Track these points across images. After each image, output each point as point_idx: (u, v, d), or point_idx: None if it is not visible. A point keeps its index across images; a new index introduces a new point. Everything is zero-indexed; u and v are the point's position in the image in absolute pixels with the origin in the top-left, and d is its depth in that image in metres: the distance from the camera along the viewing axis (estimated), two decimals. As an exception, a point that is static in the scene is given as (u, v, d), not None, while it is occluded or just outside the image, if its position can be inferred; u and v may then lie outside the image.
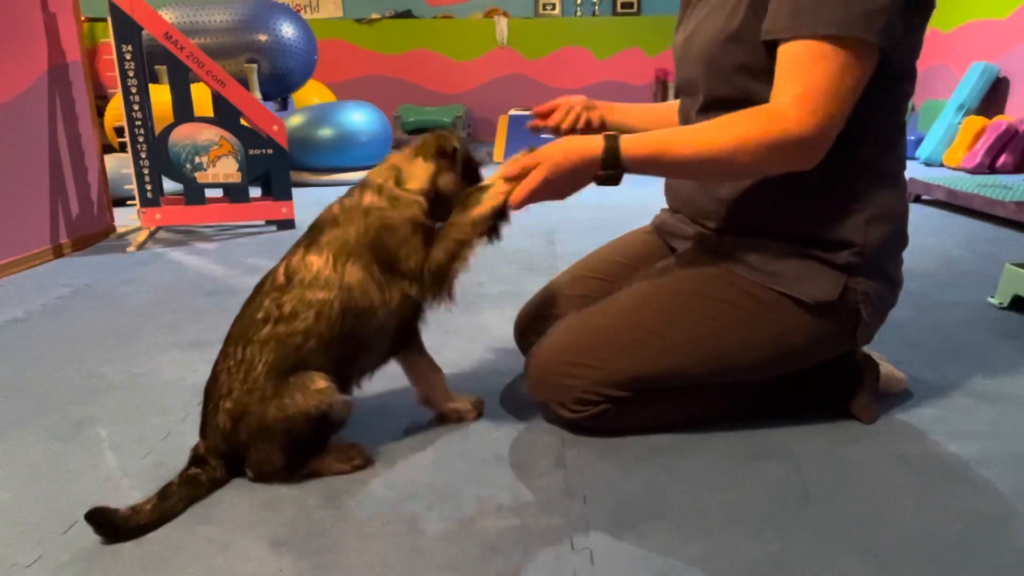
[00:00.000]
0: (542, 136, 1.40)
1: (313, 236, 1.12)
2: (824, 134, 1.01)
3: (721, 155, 1.03)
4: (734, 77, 1.12)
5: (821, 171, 1.06)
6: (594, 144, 1.06)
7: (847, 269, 1.14)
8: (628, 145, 1.06)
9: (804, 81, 1.00)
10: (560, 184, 1.08)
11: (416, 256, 1.11)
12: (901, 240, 1.20)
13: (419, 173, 1.14)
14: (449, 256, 1.12)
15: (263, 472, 1.07)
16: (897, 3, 0.99)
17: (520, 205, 1.09)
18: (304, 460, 1.09)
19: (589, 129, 1.40)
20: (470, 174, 1.19)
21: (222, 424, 1.06)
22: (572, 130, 1.39)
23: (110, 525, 0.96)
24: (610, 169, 1.06)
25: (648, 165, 1.07)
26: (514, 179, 1.10)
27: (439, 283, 1.13)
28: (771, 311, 1.15)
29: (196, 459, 1.08)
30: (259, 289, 1.12)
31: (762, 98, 1.07)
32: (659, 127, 1.41)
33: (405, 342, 1.21)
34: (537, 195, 1.08)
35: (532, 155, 1.09)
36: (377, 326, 1.12)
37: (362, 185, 1.15)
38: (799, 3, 1.00)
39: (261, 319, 1.08)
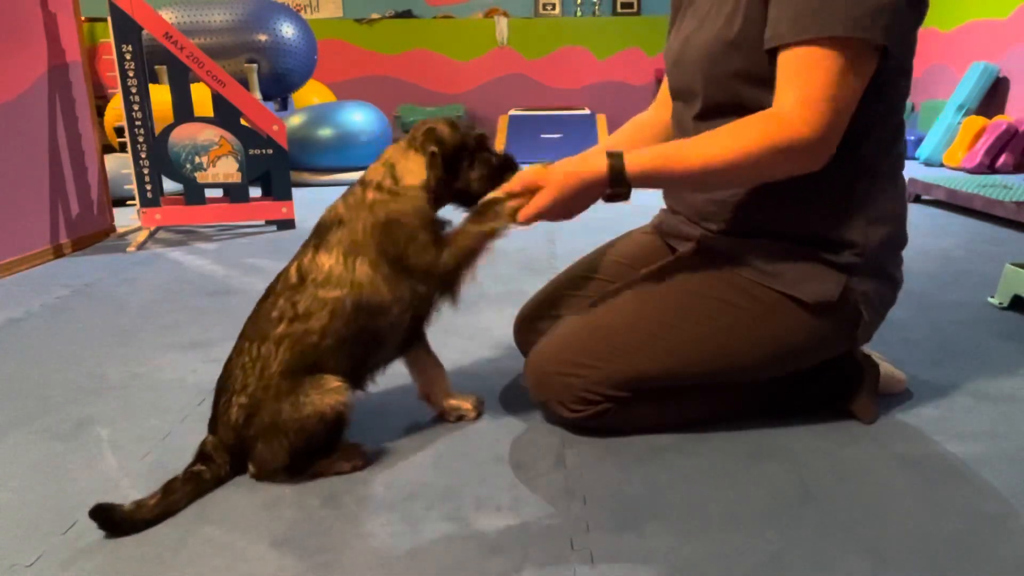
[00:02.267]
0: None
1: (321, 236, 1.13)
2: (830, 136, 1.02)
3: (728, 165, 1.03)
4: (729, 83, 1.12)
5: (821, 172, 1.05)
6: (599, 163, 1.07)
7: (848, 269, 1.14)
8: (633, 161, 1.07)
9: (806, 84, 1.00)
10: (567, 204, 1.09)
11: (425, 254, 1.12)
12: (901, 239, 1.20)
13: (414, 168, 1.14)
14: (458, 262, 1.14)
15: (265, 469, 1.07)
16: (899, 2, 0.99)
17: (527, 223, 1.11)
18: (310, 463, 1.09)
19: None
20: (477, 156, 1.18)
21: (235, 418, 1.06)
22: None
23: (113, 521, 0.96)
24: (617, 186, 1.07)
25: (654, 179, 1.08)
26: (519, 196, 1.11)
27: (447, 286, 1.16)
28: (771, 311, 1.15)
29: (202, 455, 1.08)
30: (272, 289, 1.13)
31: (754, 104, 1.07)
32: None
33: (418, 336, 1.23)
34: (544, 216, 1.10)
35: (536, 175, 1.10)
36: (391, 322, 1.13)
37: (362, 183, 1.15)
38: (800, 9, 1.00)
39: (276, 318, 1.08)
